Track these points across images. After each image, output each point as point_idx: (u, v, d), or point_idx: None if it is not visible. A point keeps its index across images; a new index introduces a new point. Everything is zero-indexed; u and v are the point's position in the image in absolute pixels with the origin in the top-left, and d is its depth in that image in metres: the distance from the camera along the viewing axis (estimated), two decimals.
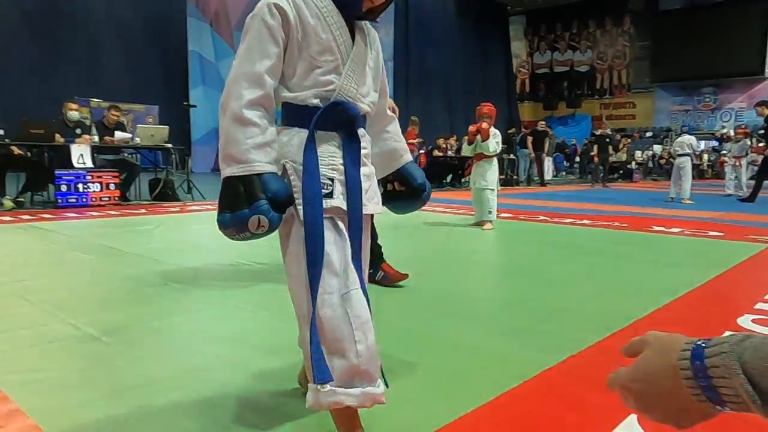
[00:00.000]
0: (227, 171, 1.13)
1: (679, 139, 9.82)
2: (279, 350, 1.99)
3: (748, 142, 11.05)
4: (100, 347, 2.01)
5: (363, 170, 1.28)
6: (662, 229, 5.63)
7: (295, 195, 1.19)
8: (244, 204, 1.10)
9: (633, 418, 1.46)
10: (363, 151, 1.29)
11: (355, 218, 1.24)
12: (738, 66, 20.51)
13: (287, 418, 1.48)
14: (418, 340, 2.16)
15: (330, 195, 1.20)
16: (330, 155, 1.22)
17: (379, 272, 2.96)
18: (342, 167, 1.23)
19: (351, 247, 1.22)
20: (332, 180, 1.21)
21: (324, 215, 1.18)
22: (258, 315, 2.49)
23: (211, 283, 3.04)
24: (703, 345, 0.56)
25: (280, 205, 1.14)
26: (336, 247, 1.20)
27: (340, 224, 1.22)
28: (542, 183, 13.95)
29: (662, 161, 18.99)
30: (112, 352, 1.97)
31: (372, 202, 1.31)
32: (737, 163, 10.77)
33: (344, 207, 1.22)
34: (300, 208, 1.18)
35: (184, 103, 8.60)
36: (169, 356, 1.93)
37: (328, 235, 1.19)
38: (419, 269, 3.30)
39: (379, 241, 3.00)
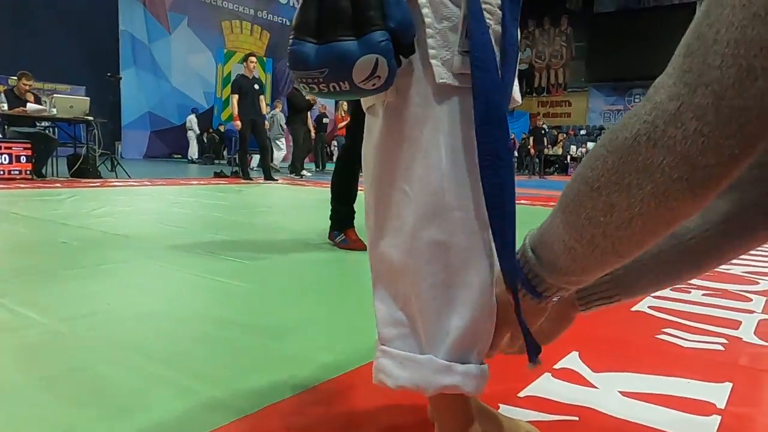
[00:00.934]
0: None
1: None
2: (169, 303, 1.77)
3: None
4: None
5: None
6: None
7: (430, 43, 0.68)
8: (348, 29, 0.62)
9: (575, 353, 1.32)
10: None
11: (503, 103, 0.72)
12: (665, 69, 21.55)
13: (179, 354, 1.25)
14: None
15: None
16: None
17: (341, 235, 2.76)
18: (500, 13, 0.71)
19: None
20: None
21: (460, 86, 0.69)
22: (154, 270, 2.21)
23: (117, 243, 2.71)
24: None
25: (403, 49, 0.65)
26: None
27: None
28: None
29: None
30: None
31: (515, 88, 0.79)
32: None
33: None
34: (435, 63, 0.68)
35: (108, 74, 7.98)
36: (50, 303, 1.65)
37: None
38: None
39: (355, 206, 2.78)
